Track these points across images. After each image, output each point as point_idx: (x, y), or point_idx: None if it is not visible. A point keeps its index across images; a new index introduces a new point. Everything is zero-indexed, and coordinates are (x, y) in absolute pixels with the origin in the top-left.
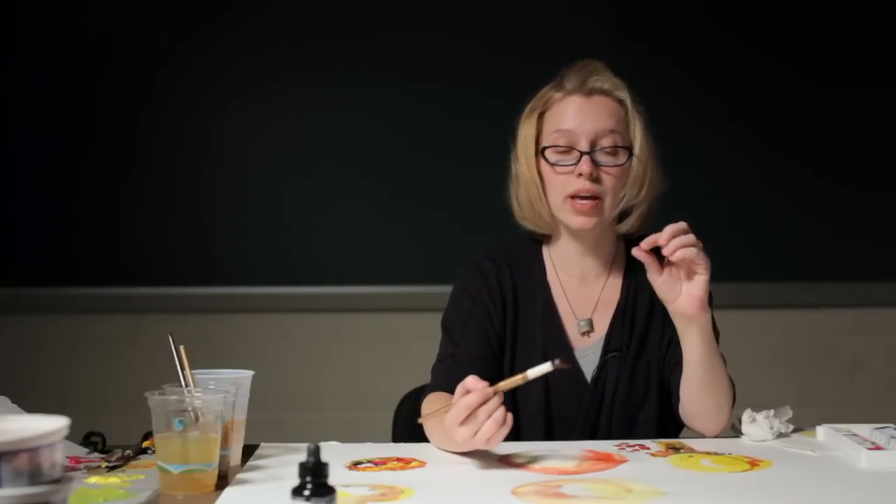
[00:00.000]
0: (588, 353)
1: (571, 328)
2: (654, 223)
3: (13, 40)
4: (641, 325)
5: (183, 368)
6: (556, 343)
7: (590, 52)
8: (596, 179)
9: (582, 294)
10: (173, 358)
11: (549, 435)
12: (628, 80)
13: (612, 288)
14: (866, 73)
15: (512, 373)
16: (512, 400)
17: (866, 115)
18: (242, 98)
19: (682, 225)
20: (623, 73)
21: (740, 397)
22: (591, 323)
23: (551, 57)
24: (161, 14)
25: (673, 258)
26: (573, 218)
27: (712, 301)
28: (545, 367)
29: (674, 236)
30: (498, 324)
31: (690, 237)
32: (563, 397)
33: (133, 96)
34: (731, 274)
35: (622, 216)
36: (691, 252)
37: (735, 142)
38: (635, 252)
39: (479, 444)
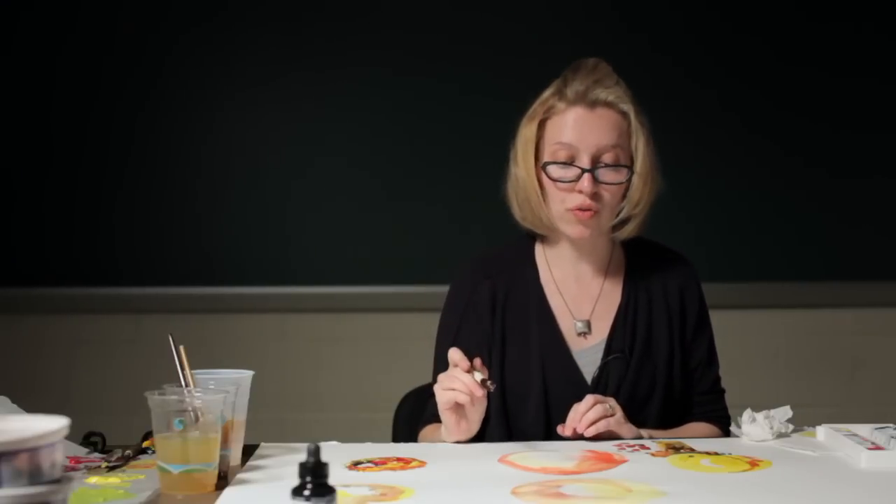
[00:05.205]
0: (588, 355)
1: (567, 328)
2: (651, 224)
3: (10, 40)
4: (644, 327)
5: (183, 368)
6: (552, 344)
7: (592, 50)
8: (595, 195)
9: (579, 293)
10: (173, 358)
11: (549, 436)
12: (628, 79)
13: (611, 290)
14: (870, 67)
15: (503, 376)
16: (508, 400)
17: (868, 114)
18: (241, 97)
19: (586, 404)
20: (623, 72)
21: (740, 397)
22: (588, 325)
23: (554, 55)
24: (157, 14)
25: (588, 435)
26: (571, 227)
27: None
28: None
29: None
30: (487, 334)
31: (598, 410)
32: (562, 399)
33: (132, 96)
34: (731, 274)
35: (619, 224)
36: (603, 425)
37: (735, 140)
38: (560, 433)
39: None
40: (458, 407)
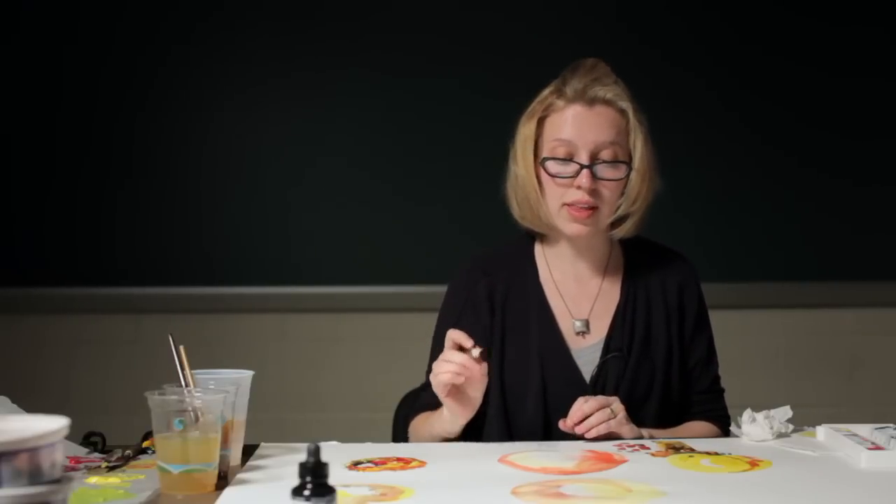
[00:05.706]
0: (586, 353)
1: (567, 328)
2: (651, 224)
3: (11, 40)
4: (642, 326)
5: (183, 368)
6: (550, 343)
7: (592, 50)
8: (593, 192)
9: (578, 292)
10: (173, 358)
11: (548, 435)
12: (628, 79)
13: (610, 289)
14: (868, 66)
15: (502, 375)
16: (507, 399)
17: (867, 113)
18: (242, 97)
19: (590, 406)
20: (622, 72)
21: (740, 397)
22: (586, 324)
23: (554, 56)
24: (156, 14)
25: (590, 437)
26: (569, 225)
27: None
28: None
29: (584, 418)
30: (485, 333)
31: (599, 417)
32: (560, 397)
33: (132, 96)
34: (731, 274)
35: (617, 222)
36: (604, 428)
37: (735, 140)
38: (562, 427)
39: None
40: (456, 391)
